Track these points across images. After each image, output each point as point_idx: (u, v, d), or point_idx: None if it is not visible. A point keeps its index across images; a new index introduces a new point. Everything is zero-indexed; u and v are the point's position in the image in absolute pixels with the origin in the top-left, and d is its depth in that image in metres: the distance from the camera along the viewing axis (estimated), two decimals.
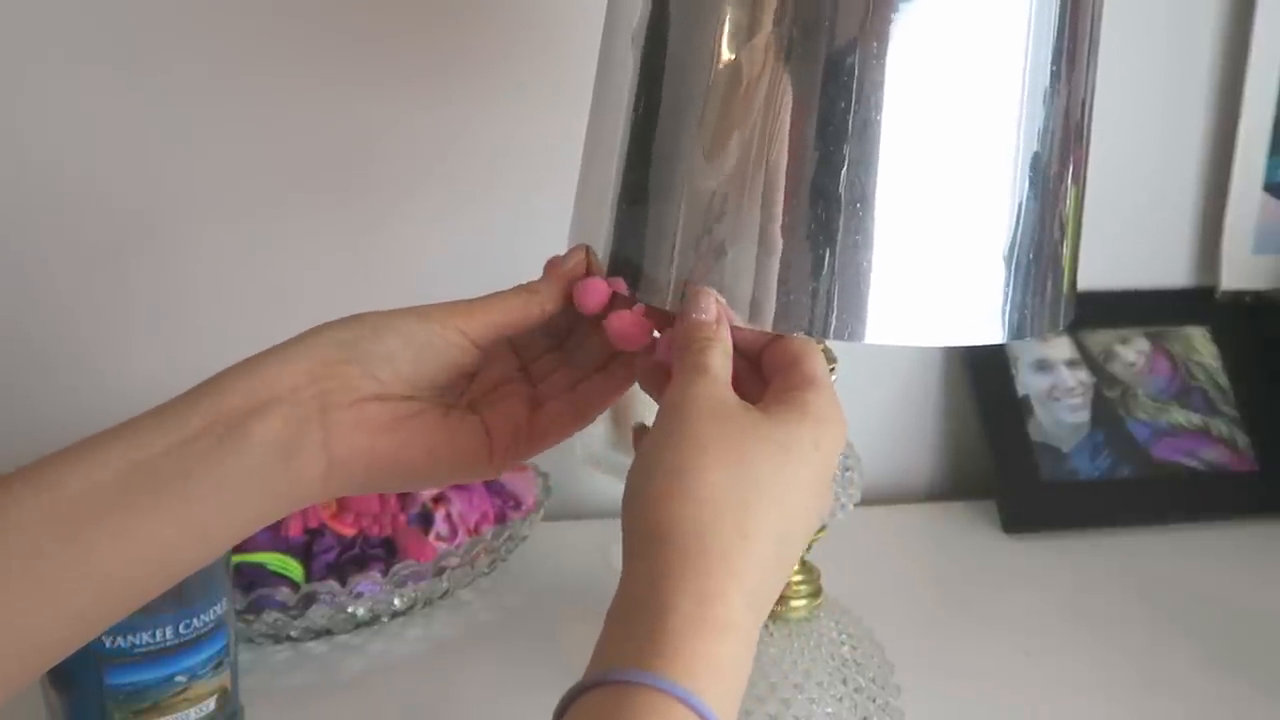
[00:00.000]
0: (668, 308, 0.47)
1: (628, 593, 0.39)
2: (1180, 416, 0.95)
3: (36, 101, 0.80)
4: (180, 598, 0.57)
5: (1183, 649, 0.74)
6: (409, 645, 0.74)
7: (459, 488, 0.81)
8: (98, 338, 0.85)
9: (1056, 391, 0.94)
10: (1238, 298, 0.99)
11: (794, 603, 0.60)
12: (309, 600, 0.70)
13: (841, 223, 0.44)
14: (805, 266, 0.45)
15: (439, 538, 0.78)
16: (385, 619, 0.75)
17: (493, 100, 0.85)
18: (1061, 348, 0.96)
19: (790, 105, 0.44)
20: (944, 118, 0.44)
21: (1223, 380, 0.97)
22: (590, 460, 0.81)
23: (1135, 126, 0.95)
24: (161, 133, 0.82)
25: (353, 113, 0.84)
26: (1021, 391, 0.94)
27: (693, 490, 0.39)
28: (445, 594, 0.77)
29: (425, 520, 0.79)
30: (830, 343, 0.52)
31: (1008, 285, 0.47)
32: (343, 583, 0.72)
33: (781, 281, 0.45)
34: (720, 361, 0.43)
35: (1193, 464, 0.94)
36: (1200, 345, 0.98)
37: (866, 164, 0.44)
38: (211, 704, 0.60)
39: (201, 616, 0.58)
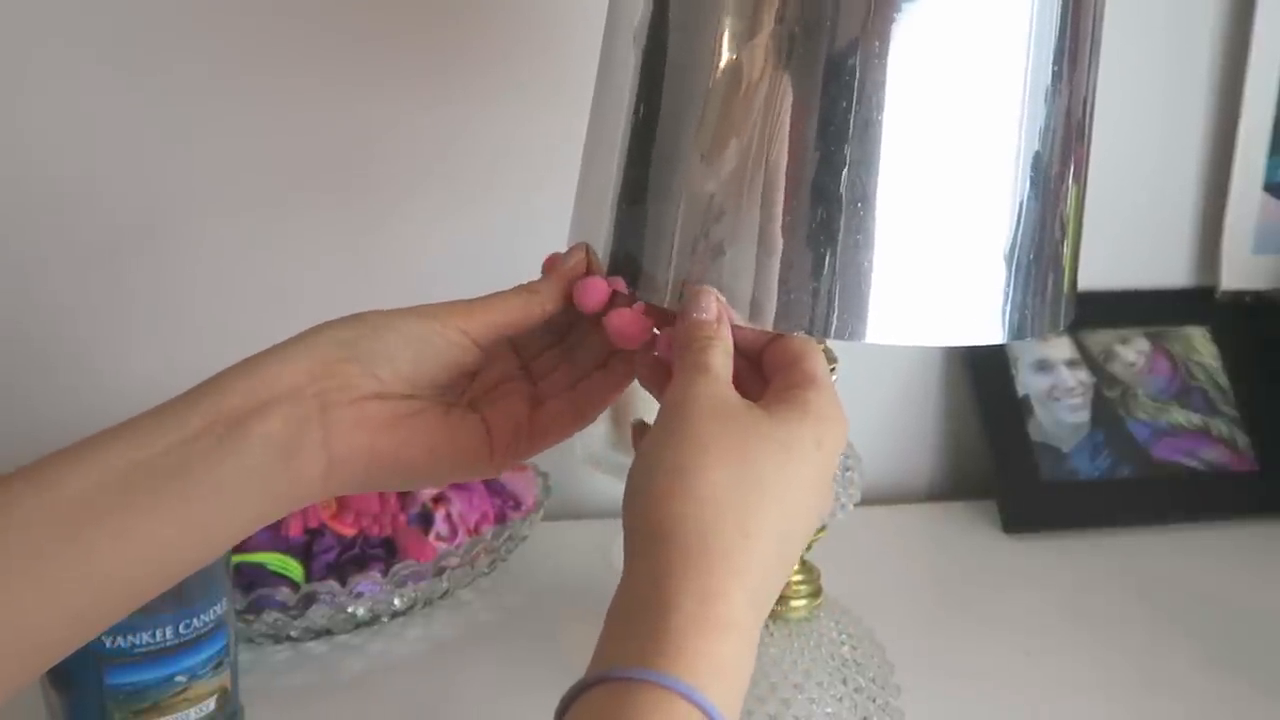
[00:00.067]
0: (666, 305, 0.47)
1: (629, 591, 0.39)
2: (1180, 416, 0.95)
3: (36, 101, 0.80)
4: (180, 598, 0.57)
5: (1183, 649, 0.74)
6: (409, 645, 0.74)
7: (459, 487, 0.81)
8: (97, 337, 0.85)
9: (1056, 391, 0.94)
10: (1238, 298, 0.99)
11: (794, 603, 0.60)
12: (309, 600, 0.70)
13: (842, 222, 0.44)
14: (806, 266, 0.45)
15: (439, 538, 0.78)
16: (385, 619, 0.75)
17: (493, 100, 0.85)
18: (1061, 348, 0.96)
19: (791, 105, 0.44)
20: (945, 117, 0.44)
21: (1223, 380, 0.97)
22: (590, 460, 0.81)
23: (1135, 126, 0.95)
24: (161, 133, 0.82)
25: (353, 113, 0.84)
26: (1021, 391, 0.94)
27: (694, 489, 0.39)
28: (445, 594, 0.77)
29: (425, 520, 0.79)
30: (831, 342, 0.52)
31: (1008, 285, 0.47)
32: (343, 583, 0.72)
33: (782, 281, 0.45)
34: (721, 360, 0.43)
35: (1193, 464, 0.94)
36: (1200, 345, 0.98)
37: (868, 164, 0.44)
38: (211, 704, 0.60)
39: (201, 616, 0.58)
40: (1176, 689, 0.70)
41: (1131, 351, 0.97)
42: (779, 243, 0.45)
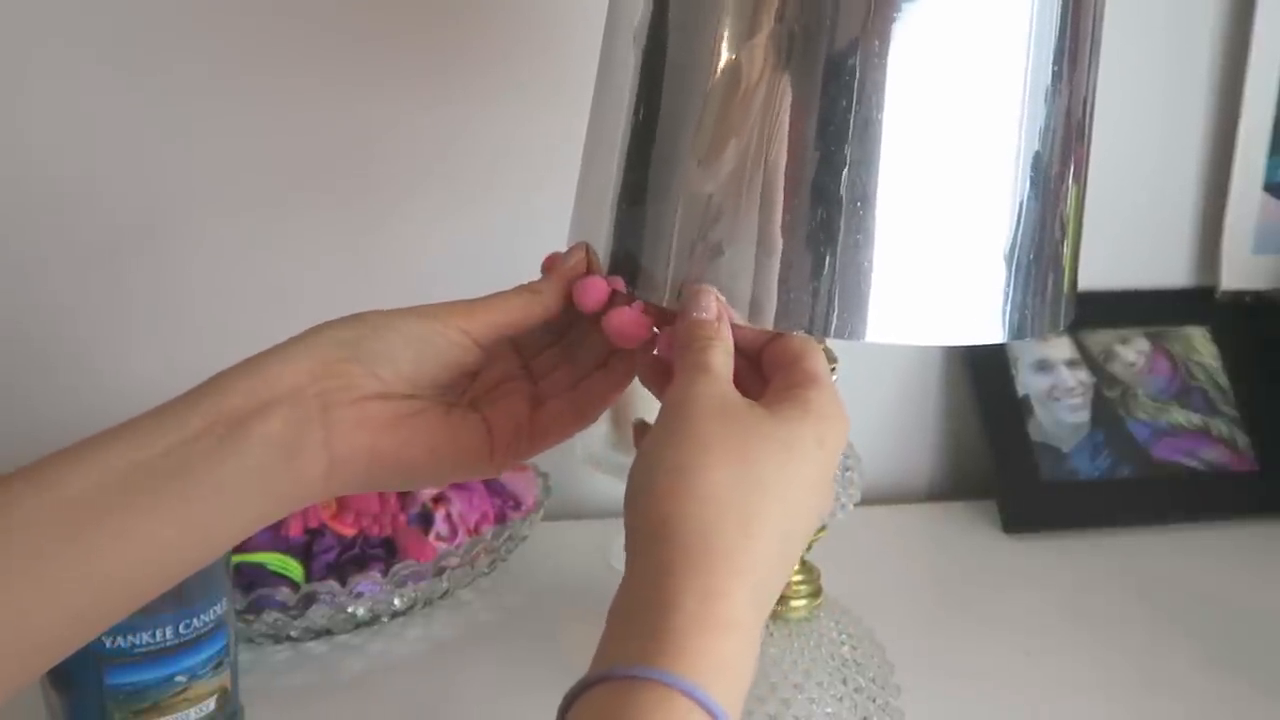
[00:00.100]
0: (666, 305, 0.47)
1: (631, 590, 0.39)
2: (1180, 416, 0.95)
3: (36, 102, 0.80)
4: (180, 598, 0.57)
5: (1183, 649, 0.74)
6: (409, 645, 0.74)
7: (459, 487, 0.81)
8: (97, 337, 0.85)
9: (1056, 391, 0.94)
10: (1238, 298, 0.99)
11: (794, 603, 0.60)
12: (309, 600, 0.70)
13: (842, 222, 0.44)
14: (806, 266, 0.45)
15: (439, 538, 0.78)
16: (385, 619, 0.75)
17: (493, 100, 0.85)
18: (1061, 348, 0.96)
19: (791, 105, 0.44)
20: (946, 117, 0.44)
21: (1223, 380, 0.97)
22: (590, 460, 0.81)
23: (1135, 126, 0.95)
24: (161, 133, 0.82)
25: (353, 113, 0.84)
26: (1021, 391, 0.94)
27: (696, 488, 0.39)
28: (445, 594, 0.77)
29: (425, 520, 0.79)
30: (831, 342, 0.52)
31: (1008, 285, 0.47)
32: (343, 583, 0.72)
33: (782, 281, 0.45)
34: (722, 360, 0.43)
35: (1193, 464, 0.94)
36: (1200, 345, 0.98)
37: (868, 164, 0.44)
38: (211, 704, 0.60)
39: (201, 616, 0.58)
40: (1176, 689, 0.70)
41: (1131, 351, 0.97)
42: (779, 242, 0.45)
